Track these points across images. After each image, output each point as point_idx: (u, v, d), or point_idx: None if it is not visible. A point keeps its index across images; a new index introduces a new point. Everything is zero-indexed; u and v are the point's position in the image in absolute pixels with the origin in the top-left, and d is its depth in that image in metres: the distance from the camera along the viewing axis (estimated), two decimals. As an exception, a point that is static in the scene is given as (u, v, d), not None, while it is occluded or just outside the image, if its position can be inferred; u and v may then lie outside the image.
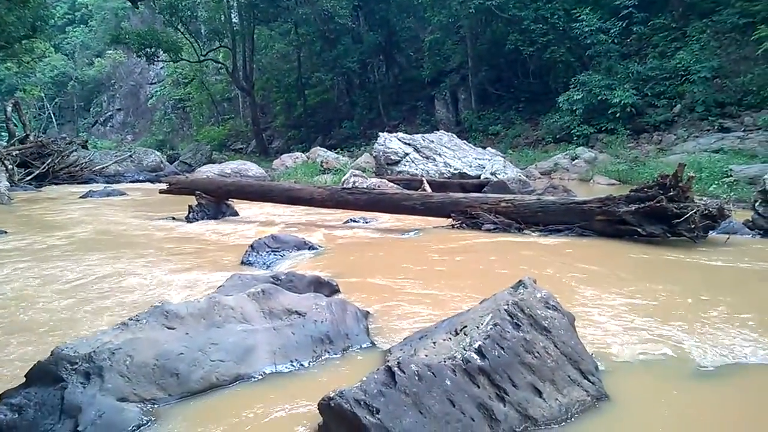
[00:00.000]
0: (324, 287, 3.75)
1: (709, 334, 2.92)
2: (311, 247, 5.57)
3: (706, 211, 5.26)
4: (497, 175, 12.62)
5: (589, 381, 2.26)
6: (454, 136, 16.39)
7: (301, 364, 2.64)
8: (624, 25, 20.49)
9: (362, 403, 1.86)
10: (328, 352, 2.77)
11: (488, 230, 6.15)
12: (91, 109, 57.44)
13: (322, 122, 34.68)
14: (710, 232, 5.46)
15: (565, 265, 4.62)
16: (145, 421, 2.13)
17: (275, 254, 5.20)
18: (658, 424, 2.09)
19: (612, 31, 20.44)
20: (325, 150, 21.59)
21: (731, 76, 17.53)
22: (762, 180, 6.03)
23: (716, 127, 16.79)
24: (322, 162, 18.66)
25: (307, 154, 21.68)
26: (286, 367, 2.60)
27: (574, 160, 17.22)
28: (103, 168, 20.79)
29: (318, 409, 1.96)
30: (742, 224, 6.03)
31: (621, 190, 6.15)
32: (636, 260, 4.86)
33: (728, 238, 5.43)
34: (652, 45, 20.72)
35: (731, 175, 10.73)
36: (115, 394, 2.19)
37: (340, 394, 1.88)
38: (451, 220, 6.60)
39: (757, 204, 5.96)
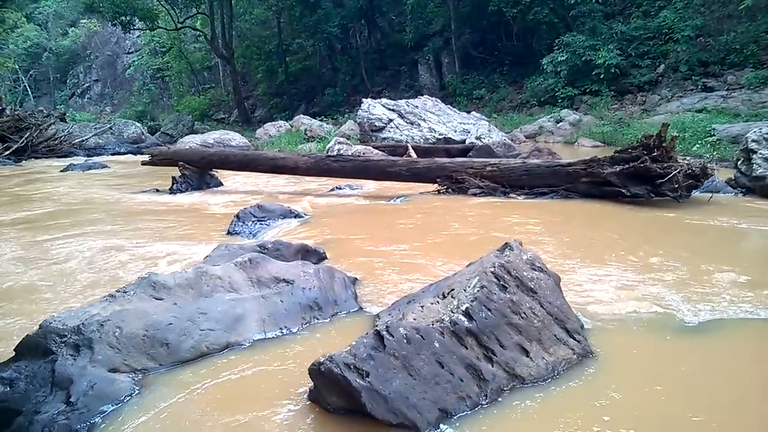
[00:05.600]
0: (311, 255, 3.76)
1: (692, 291, 2.98)
2: (297, 216, 5.55)
3: (690, 171, 5.31)
4: (482, 140, 12.59)
5: (575, 339, 2.30)
6: (439, 101, 16.28)
7: (291, 331, 2.66)
8: (608, -17, 20.29)
9: (352, 366, 1.88)
10: (317, 319, 2.79)
11: (474, 194, 6.17)
12: (68, 80, 56.00)
13: (305, 89, 34.21)
14: (693, 191, 5.52)
15: (550, 226, 4.66)
16: (137, 391, 2.14)
17: (261, 223, 5.19)
18: (642, 379, 2.14)
19: (596, -10, 20.23)
20: (309, 118, 21.35)
21: (714, 34, 17.49)
22: (744, 138, 6.08)
23: (699, 87, 16.82)
24: (305, 130, 18.47)
25: (290, 122, 21.45)
26: (275, 334, 2.62)
27: (558, 122, 17.22)
28: (83, 141, 20.45)
29: (308, 374, 1.98)
30: (725, 183, 6.11)
31: (605, 152, 6.17)
32: (620, 220, 4.91)
33: (711, 197, 5.50)
34: (635, 4, 20.58)
35: (714, 135, 10.80)
36: (105, 365, 2.20)
37: (330, 358, 1.90)
38: (437, 185, 6.60)
39: (739, 162, 6.02)
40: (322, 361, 1.92)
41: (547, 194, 5.92)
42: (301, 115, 22.32)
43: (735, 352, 2.39)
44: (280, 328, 2.66)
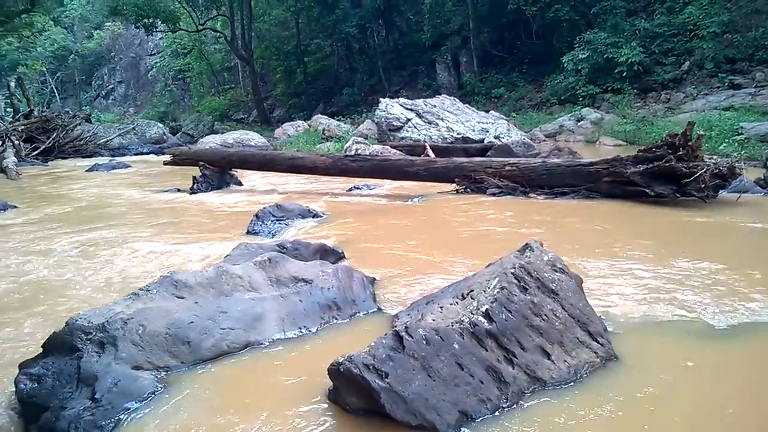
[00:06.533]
0: (330, 254, 3.76)
1: (720, 294, 2.90)
2: (316, 215, 5.57)
3: (716, 170, 5.17)
4: (501, 139, 12.50)
5: (598, 342, 2.27)
6: (457, 100, 16.19)
7: (310, 330, 2.66)
8: (630, -21, 20.02)
9: (371, 367, 1.87)
10: (336, 318, 2.79)
11: (493, 194, 6.12)
12: (93, 82, 56.99)
13: (323, 89, 34.32)
14: (720, 191, 5.38)
15: (571, 227, 4.61)
16: (159, 388, 2.16)
17: (280, 223, 5.21)
18: (668, 384, 2.09)
19: (618, -14, 19.97)
20: (327, 118, 21.42)
21: (742, 30, 17.14)
22: (772, 137, 5.95)
23: (726, 84, 16.48)
24: (324, 130, 18.53)
25: (308, 122, 21.55)
26: (294, 334, 2.62)
27: (579, 121, 17.02)
28: (108, 141, 20.84)
29: (328, 374, 1.98)
30: (754, 182, 5.94)
31: (628, 151, 6.08)
32: (644, 221, 4.83)
33: (739, 197, 5.35)
34: (659, 0, 20.25)
35: (742, 133, 10.58)
36: (129, 363, 2.22)
37: (349, 359, 1.90)
38: (455, 185, 6.56)
39: None
40: (341, 361, 1.91)
41: (568, 194, 5.84)
42: (319, 115, 22.41)
43: (765, 357, 2.33)
44: (299, 328, 2.66)
